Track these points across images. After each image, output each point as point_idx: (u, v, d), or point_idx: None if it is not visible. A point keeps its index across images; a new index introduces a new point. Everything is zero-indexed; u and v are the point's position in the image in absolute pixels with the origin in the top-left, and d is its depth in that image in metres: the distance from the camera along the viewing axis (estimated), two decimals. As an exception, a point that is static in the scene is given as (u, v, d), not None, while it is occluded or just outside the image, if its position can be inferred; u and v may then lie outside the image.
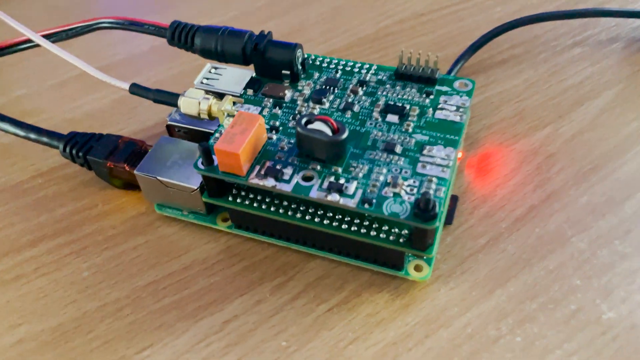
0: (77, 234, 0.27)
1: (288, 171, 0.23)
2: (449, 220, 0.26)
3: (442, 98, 0.26)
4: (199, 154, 0.23)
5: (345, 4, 0.40)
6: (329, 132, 0.23)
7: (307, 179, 0.23)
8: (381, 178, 0.23)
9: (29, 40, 0.31)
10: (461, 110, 0.25)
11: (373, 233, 0.23)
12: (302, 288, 0.25)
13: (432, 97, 0.26)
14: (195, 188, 0.25)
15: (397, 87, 0.26)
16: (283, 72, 0.27)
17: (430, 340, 0.23)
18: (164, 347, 0.23)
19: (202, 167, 0.24)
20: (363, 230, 0.23)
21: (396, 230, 0.23)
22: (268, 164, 0.23)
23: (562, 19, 0.34)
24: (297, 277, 0.25)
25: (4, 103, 0.34)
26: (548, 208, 0.27)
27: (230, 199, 0.24)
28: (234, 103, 0.26)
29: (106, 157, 0.27)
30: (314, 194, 0.22)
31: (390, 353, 0.23)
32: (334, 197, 0.22)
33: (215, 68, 0.30)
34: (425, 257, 0.24)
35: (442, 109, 0.25)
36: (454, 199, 0.27)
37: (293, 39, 0.29)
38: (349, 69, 0.27)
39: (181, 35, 0.27)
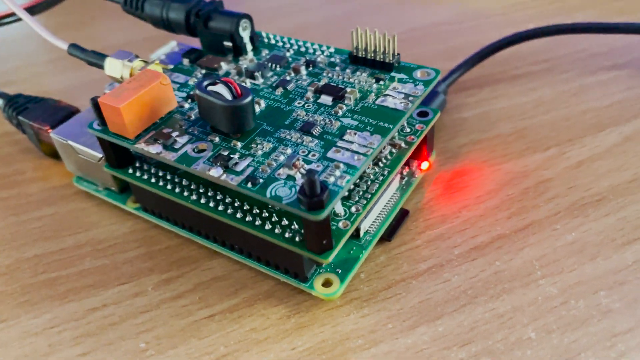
0: (-7, 197, 0.25)
1: (182, 140, 0.20)
2: (388, 236, 0.21)
3: (392, 85, 0.21)
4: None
5: (360, 10, 0.36)
6: (229, 96, 0.19)
7: (200, 151, 0.19)
8: (282, 158, 0.19)
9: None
10: (410, 99, 0.20)
11: (268, 226, 0.18)
12: (191, 287, 0.21)
13: (381, 83, 0.21)
14: (101, 156, 0.22)
15: (348, 71, 0.22)
16: (225, 43, 0.23)
17: (314, 372, 0.18)
18: (16, 325, 0.20)
19: (96, 127, 0.21)
20: (258, 222, 0.19)
21: (295, 226, 0.18)
22: (165, 130, 0.20)
23: (598, 33, 0.28)
24: (190, 275, 0.21)
25: (-8, 72, 0.34)
26: (520, 240, 0.21)
27: (130, 171, 0.21)
28: (164, 71, 0.23)
29: (34, 119, 0.25)
30: (198, 166, 0.19)
31: (258, 379, 0.18)
32: (216, 172, 0.18)
33: (180, 46, 0.28)
34: (328, 269, 0.19)
35: (387, 95, 0.21)
36: (403, 213, 0.22)
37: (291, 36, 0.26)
38: (304, 49, 0.24)
39: (132, 1, 0.25)
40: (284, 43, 0.24)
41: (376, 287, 0.20)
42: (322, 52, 0.24)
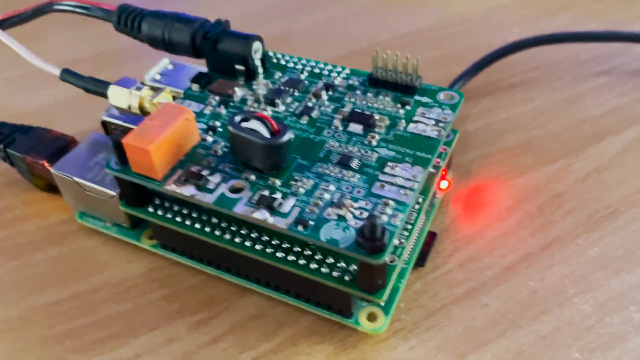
0: (-16, 238, 0.23)
1: (215, 179, 0.19)
2: (421, 262, 0.21)
3: (419, 110, 0.21)
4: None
5: (344, 15, 0.36)
6: (266, 133, 0.18)
7: (236, 190, 0.19)
8: (326, 196, 0.18)
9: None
10: (441, 125, 0.20)
11: (313, 266, 0.18)
12: (227, 329, 0.20)
13: (408, 107, 0.21)
14: (114, 194, 0.21)
15: (369, 94, 0.22)
16: (236, 67, 0.22)
17: (373, 412, 0.18)
18: (42, 385, 0.19)
19: (115, 166, 0.19)
20: (302, 262, 0.18)
21: (342, 264, 0.18)
22: (193, 169, 0.19)
23: (587, 42, 0.29)
24: (223, 315, 0.20)
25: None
26: (548, 258, 0.21)
27: (150, 210, 0.20)
28: (174, 98, 0.22)
29: (26, 152, 0.23)
30: (240, 208, 0.18)
31: None
32: (262, 215, 0.17)
33: (174, 64, 0.26)
34: (374, 303, 0.19)
35: (417, 122, 0.20)
36: (431, 237, 0.22)
37: (278, 46, 0.25)
38: (318, 71, 0.23)
39: (127, 20, 0.24)
40: (295, 64, 0.24)
41: (418, 316, 0.20)
42: (338, 73, 0.23)
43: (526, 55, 0.31)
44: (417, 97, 0.22)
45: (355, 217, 0.17)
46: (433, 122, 0.20)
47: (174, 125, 0.19)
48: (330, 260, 0.18)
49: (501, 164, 0.25)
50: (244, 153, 0.19)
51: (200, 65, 0.26)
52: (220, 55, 0.23)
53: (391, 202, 0.18)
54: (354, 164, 0.19)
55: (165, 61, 0.26)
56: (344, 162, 0.19)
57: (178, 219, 0.20)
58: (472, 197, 0.24)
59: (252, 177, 0.19)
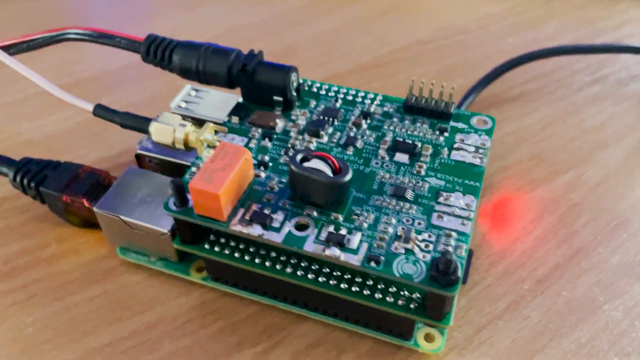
0: (23, 279, 0.23)
1: (278, 217, 0.19)
2: (463, 279, 0.22)
3: (458, 136, 0.22)
4: (171, 192, 0.19)
5: (343, 27, 0.36)
6: (329, 172, 0.19)
7: (301, 227, 0.19)
8: (390, 230, 0.19)
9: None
10: (481, 151, 0.22)
11: (378, 296, 0.19)
12: (290, 357, 0.21)
13: (446, 134, 0.22)
14: (166, 232, 0.21)
15: (406, 122, 0.23)
16: (275, 98, 0.23)
17: None
18: None
19: (173, 208, 0.20)
20: (366, 292, 0.19)
21: (406, 293, 0.19)
22: (254, 207, 0.19)
23: (579, 54, 0.31)
24: (284, 344, 0.21)
25: (-49, 120, 0.30)
26: (575, 268, 0.23)
27: (207, 247, 0.20)
28: (216, 132, 0.22)
29: (62, 190, 0.23)
30: (310, 246, 0.18)
31: None
32: (334, 252, 0.18)
33: (196, 90, 0.26)
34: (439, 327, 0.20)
35: (459, 149, 0.22)
36: (469, 254, 0.23)
37: (283, 60, 0.25)
38: (351, 98, 0.24)
39: (157, 51, 0.23)
40: (327, 90, 0.24)
41: (468, 333, 0.21)
42: (372, 100, 0.24)
43: (521, 66, 0.32)
44: (452, 123, 0.23)
45: (421, 249, 0.18)
46: (473, 148, 0.22)
47: (237, 167, 0.19)
48: (393, 289, 0.19)
49: (519, 177, 0.27)
50: (304, 190, 0.19)
51: (223, 91, 0.26)
52: (257, 85, 0.23)
53: (453, 234, 0.19)
54: (409, 195, 0.20)
55: (187, 87, 0.26)
56: (398, 194, 0.20)
57: (236, 254, 0.20)
58: (497, 210, 0.25)
59: (315, 213, 0.19)
